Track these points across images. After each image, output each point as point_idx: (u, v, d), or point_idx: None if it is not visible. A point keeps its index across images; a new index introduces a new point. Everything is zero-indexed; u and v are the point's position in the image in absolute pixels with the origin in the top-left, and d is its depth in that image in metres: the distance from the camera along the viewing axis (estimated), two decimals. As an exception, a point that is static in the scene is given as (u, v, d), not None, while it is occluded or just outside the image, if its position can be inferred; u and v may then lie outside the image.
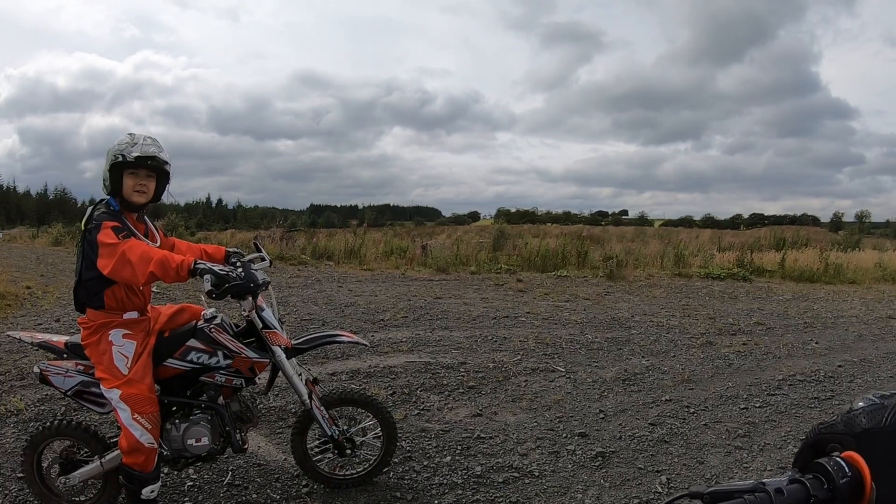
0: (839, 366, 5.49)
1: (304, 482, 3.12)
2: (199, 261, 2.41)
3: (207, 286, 2.37)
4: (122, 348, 2.54)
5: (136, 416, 2.48)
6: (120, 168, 2.53)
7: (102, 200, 2.61)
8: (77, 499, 2.78)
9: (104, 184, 2.60)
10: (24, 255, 11.77)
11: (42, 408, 3.83)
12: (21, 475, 2.81)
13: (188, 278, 2.41)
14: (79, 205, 61.41)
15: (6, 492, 2.93)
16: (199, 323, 2.72)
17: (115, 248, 2.35)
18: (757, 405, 4.43)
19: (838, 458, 0.64)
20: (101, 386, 2.53)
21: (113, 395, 2.49)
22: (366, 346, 3.28)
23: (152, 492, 2.56)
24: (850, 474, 0.62)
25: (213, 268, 2.40)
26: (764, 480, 0.63)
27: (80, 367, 2.63)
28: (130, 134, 2.60)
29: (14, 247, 14.42)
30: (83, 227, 2.55)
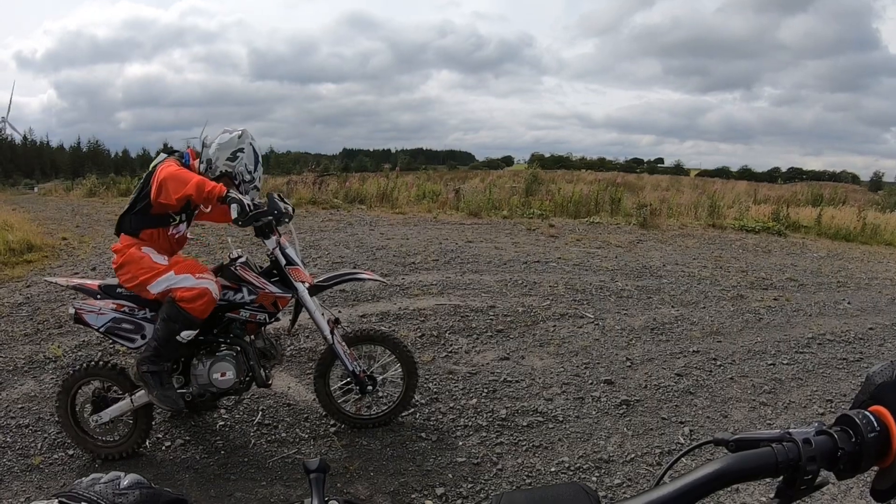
0: (870, 328, 5.30)
1: (331, 422, 3.20)
2: (231, 191, 2.55)
3: (234, 214, 2.52)
4: (156, 255, 2.73)
5: (198, 275, 2.67)
6: (228, 177, 2.76)
7: (176, 153, 2.85)
8: (109, 439, 2.87)
9: (209, 165, 2.78)
10: (60, 208, 12.00)
11: (79, 353, 3.95)
12: (58, 419, 2.91)
13: (217, 205, 2.60)
14: (112, 156, 62.30)
15: (45, 434, 3.07)
16: (225, 262, 2.86)
17: (165, 171, 2.57)
18: (784, 362, 4.34)
19: (867, 412, 0.64)
20: (149, 287, 2.67)
21: (166, 278, 2.65)
22: (385, 283, 3.32)
23: (188, 336, 2.69)
24: (878, 429, 0.62)
25: (243, 199, 2.53)
26: (790, 430, 0.63)
27: (111, 305, 2.74)
28: (256, 160, 2.80)
29: (49, 200, 14.72)
30: (151, 168, 2.76)
